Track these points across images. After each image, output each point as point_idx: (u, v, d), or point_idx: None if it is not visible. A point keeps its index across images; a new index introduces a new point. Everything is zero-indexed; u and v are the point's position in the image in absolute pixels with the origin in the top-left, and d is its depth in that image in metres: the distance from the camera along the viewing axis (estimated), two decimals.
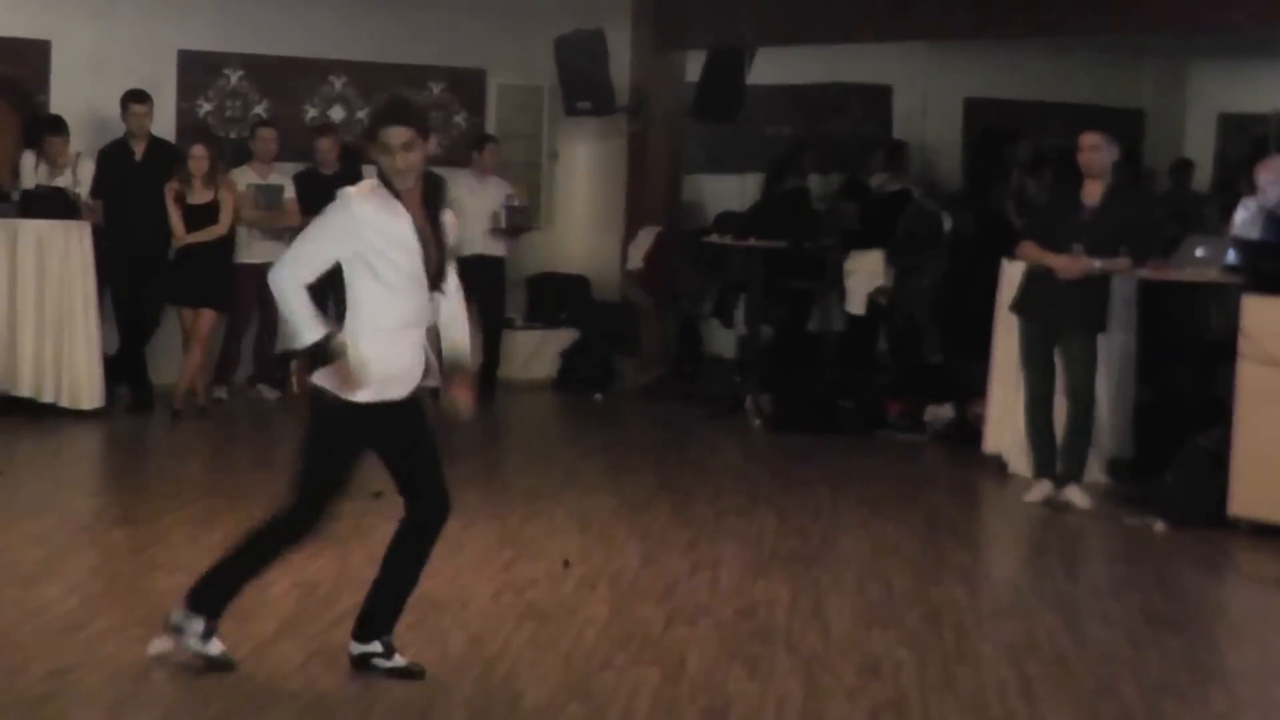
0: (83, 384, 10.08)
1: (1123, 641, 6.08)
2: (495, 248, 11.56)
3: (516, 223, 11.63)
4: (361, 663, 5.32)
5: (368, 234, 4.94)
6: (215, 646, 5.24)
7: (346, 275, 5.01)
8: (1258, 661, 5.99)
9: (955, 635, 6.05)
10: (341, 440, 5.12)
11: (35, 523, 7.37)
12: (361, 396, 5.03)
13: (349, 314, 5.04)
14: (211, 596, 5.23)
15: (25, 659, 5.36)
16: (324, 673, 5.33)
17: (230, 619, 5.85)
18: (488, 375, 10.82)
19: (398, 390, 5.09)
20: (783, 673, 5.52)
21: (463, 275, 5.40)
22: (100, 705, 4.98)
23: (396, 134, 4.93)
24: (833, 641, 5.91)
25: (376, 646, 5.31)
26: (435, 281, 5.06)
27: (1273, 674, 5.82)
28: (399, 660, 5.31)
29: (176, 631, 5.22)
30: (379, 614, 5.33)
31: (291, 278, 4.99)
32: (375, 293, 4.99)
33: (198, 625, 5.20)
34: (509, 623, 5.98)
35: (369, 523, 7.53)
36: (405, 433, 5.16)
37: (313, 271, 5.00)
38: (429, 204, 5.08)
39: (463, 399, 5.28)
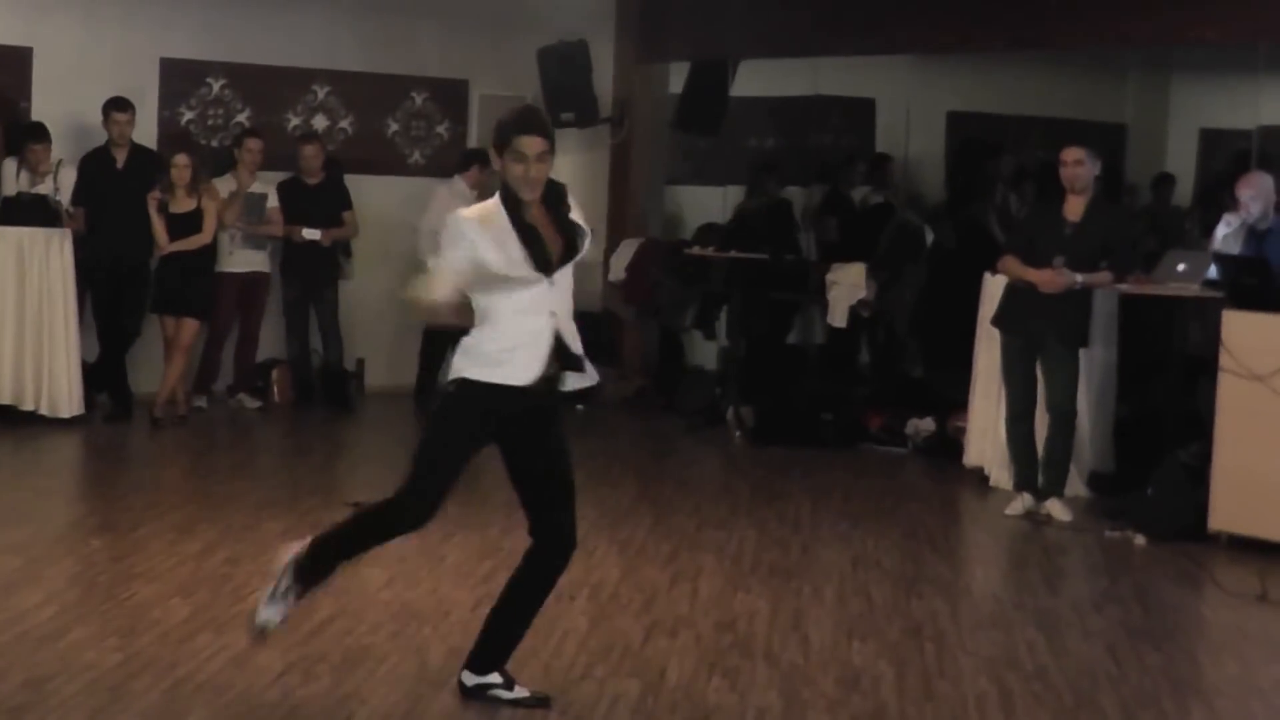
0: (62, 392, 10.05)
1: (1103, 655, 6.09)
2: None
3: None
4: (477, 693, 5.19)
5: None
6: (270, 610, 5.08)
7: None
8: (1237, 676, 5.99)
9: (935, 648, 6.05)
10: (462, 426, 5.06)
11: (13, 531, 7.33)
12: (482, 375, 4.97)
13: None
14: (305, 569, 5.08)
15: (3, 668, 5.33)
16: (301, 683, 5.31)
17: (208, 629, 5.86)
18: None
19: (515, 374, 4.98)
20: (763, 685, 5.52)
21: None
22: (78, 715, 4.95)
23: (533, 144, 4.96)
24: (813, 654, 5.91)
25: (495, 678, 5.19)
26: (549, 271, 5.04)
27: (1252, 689, 5.83)
28: (521, 691, 5.18)
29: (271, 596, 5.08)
30: (496, 645, 5.21)
31: None
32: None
33: (281, 585, 5.06)
34: None
35: None
36: (532, 435, 5.08)
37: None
38: (551, 207, 5.08)
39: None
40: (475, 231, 4.95)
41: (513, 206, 5.02)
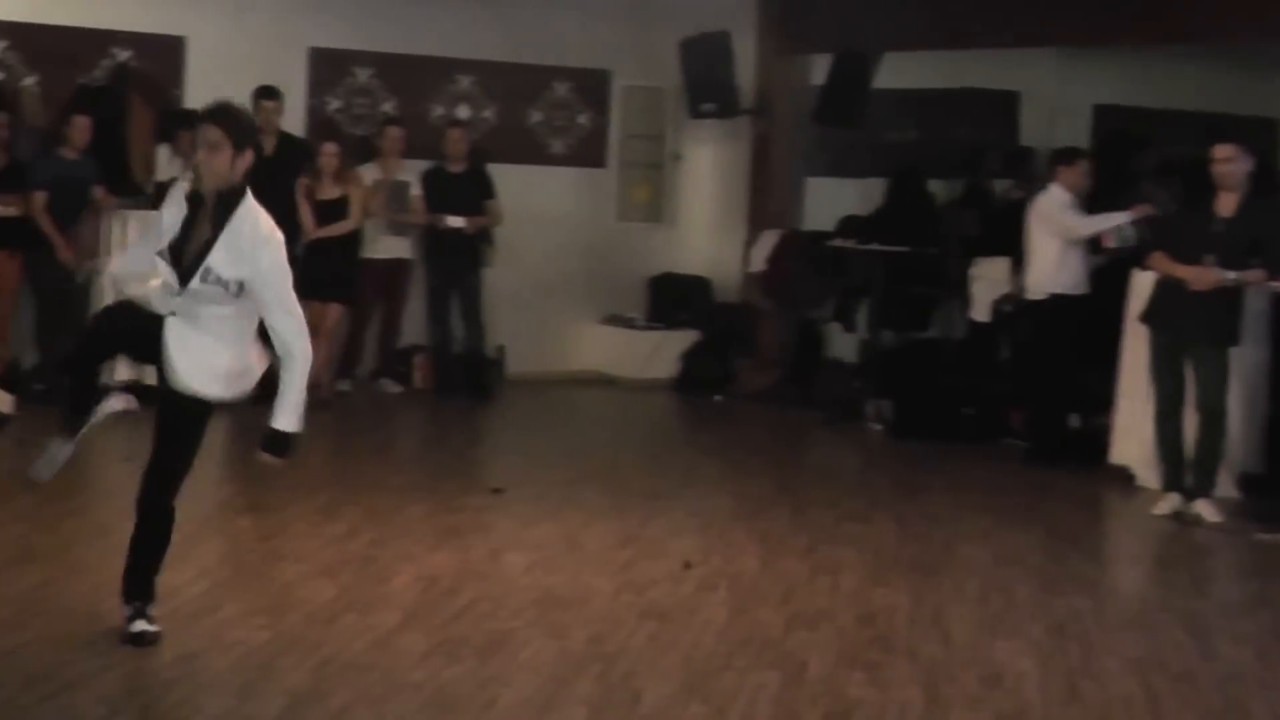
0: None
1: (1252, 659, 5.97)
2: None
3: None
4: None
5: None
6: None
7: None
8: None
9: (1080, 648, 5.97)
10: None
11: None
12: None
13: None
14: None
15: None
16: (446, 665, 5.37)
17: (353, 610, 5.94)
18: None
19: None
20: (903, 680, 5.48)
21: None
22: (227, 690, 5.06)
23: None
24: (954, 650, 5.86)
25: None
26: None
27: None
28: None
29: None
30: None
31: None
32: None
33: None
34: (629, 621, 5.99)
35: (489, 519, 7.62)
36: None
37: None
38: None
39: None
40: None
41: None
